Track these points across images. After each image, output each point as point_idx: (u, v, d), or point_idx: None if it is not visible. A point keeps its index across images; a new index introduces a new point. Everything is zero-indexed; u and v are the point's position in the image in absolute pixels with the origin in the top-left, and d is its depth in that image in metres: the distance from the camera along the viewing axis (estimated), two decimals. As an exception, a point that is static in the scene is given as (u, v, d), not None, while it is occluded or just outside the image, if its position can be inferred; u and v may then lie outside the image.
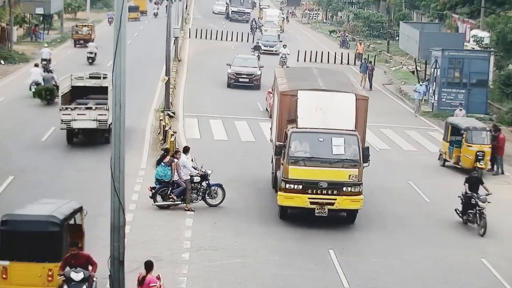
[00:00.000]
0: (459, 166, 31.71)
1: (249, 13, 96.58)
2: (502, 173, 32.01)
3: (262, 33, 76.43)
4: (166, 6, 41.40)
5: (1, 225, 16.92)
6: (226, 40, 75.18)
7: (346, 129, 23.75)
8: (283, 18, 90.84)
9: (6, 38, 59.07)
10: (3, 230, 16.84)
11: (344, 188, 23.13)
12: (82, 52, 58.56)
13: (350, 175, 23.14)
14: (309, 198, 23.18)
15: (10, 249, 16.72)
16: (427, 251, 22.70)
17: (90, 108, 31.29)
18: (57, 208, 17.58)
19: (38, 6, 67.61)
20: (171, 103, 40.29)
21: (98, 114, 31.05)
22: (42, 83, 40.50)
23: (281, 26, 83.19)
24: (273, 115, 28.97)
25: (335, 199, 23.18)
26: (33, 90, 40.29)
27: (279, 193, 23.65)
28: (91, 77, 33.15)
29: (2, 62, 53.81)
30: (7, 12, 59.10)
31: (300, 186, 23.17)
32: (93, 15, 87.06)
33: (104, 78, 32.61)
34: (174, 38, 52.65)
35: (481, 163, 30.92)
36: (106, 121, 30.91)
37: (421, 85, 45.11)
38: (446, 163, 32.52)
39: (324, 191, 23.13)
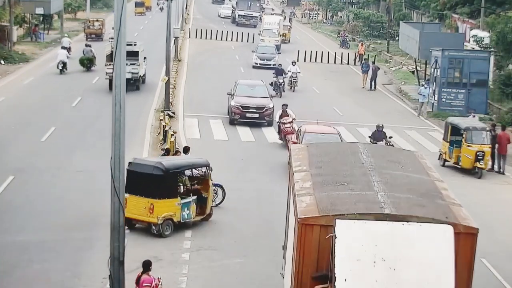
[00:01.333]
0: (459, 166, 31.71)
1: (257, 17, 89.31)
2: (503, 173, 32.01)
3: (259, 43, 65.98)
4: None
5: (128, 166, 21.12)
6: (226, 40, 75.16)
7: None
8: (289, 26, 79.86)
9: (6, 38, 59.01)
10: (128, 170, 20.87)
11: None
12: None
13: None
14: None
15: (129, 185, 20.67)
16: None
17: (126, 64, 37.86)
18: (172, 160, 22.61)
19: (38, 6, 67.54)
20: (171, 103, 40.30)
21: (132, 68, 42.13)
22: (68, 62, 49.40)
23: (285, 35, 74.56)
24: (285, 254, 16.24)
25: None
26: (60, 67, 49.01)
27: None
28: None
29: (2, 62, 53.76)
30: (7, 12, 59.05)
31: None
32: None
33: (135, 45, 43.54)
34: (174, 38, 52.64)
35: (481, 163, 30.95)
36: (138, 73, 43.37)
37: (425, 88, 44.30)
38: (446, 163, 32.50)
39: None
